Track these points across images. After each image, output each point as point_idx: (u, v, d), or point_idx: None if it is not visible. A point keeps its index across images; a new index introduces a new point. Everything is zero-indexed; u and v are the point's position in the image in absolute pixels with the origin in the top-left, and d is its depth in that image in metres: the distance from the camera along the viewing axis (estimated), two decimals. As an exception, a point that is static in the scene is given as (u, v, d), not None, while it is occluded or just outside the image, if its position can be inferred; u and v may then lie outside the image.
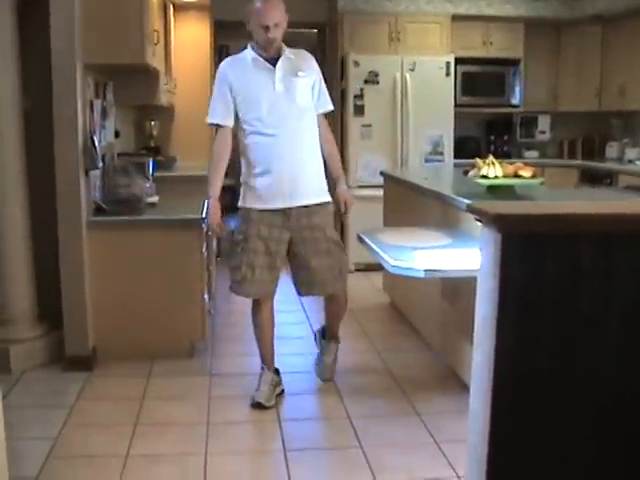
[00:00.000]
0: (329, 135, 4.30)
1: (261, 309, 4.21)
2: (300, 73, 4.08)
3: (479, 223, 2.02)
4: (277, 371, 4.33)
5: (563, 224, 1.99)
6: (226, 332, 5.46)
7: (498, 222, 1.91)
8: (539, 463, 1.97)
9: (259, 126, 4.04)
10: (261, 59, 4.04)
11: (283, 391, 4.29)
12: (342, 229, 7.83)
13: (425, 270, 3.54)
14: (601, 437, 1.97)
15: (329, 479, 3.40)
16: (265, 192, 4.08)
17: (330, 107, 4.27)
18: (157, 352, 4.82)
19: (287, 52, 4.08)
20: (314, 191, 4.11)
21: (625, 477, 2.02)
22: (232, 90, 4.05)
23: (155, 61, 5.24)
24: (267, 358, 4.28)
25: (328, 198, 4.18)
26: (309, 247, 4.09)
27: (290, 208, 4.05)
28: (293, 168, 4.04)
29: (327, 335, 4.52)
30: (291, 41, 4.18)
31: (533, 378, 1.93)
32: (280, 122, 4.02)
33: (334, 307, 4.39)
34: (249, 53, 4.07)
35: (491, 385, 1.90)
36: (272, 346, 4.31)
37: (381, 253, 3.80)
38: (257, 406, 4.08)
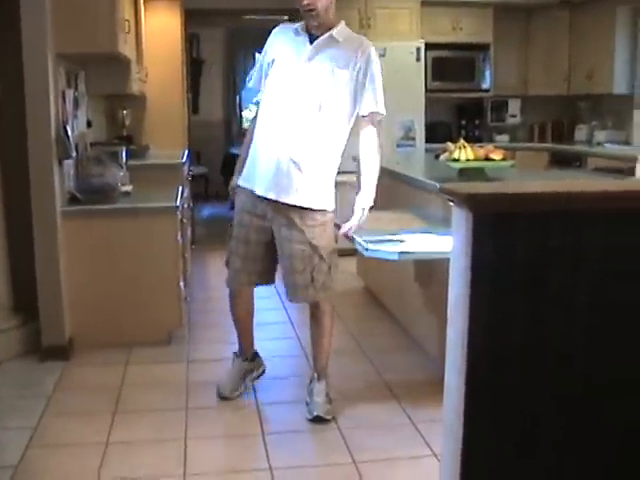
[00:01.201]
0: (367, 144, 3.78)
1: (235, 300, 4.04)
2: (339, 61, 3.61)
3: (451, 204, 2.07)
4: (255, 355, 4.22)
5: (532, 203, 2.03)
6: (202, 319, 5.48)
7: (469, 202, 1.95)
8: (513, 438, 2.03)
9: (272, 98, 3.70)
10: (303, 31, 3.67)
11: (264, 372, 4.23)
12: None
13: (399, 253, 3.59)
14: (572, 412, 2.03)
15: (308, 461, 3.44)
16: (251, 171, 3.77)
17: (373, 109, 3.69)
18: (134, 340, 4.83)
19: (336, 32, 3.62)
20: (304, 193, 3.67)
21: (595, 451, 2.08)
22: (267, 53, 3.76)
23: (126, 50, 5.22)
24: (241, 345, 4.18)
25: (321, 206, 3.73)
26: (284, 245, 3.75)
27: (273, 200, 3.69)
28: (285, 159, 3.63)
29: (313, 371, 4.05)
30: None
31: (506, 354, 1.98)
32: (291, 104, 3.63)
33: (314, 329, 3.97)
34: (300, 23, 3.69)
35: (465, 362, 1.94)
36: (248, 336, 4.16)
37: (355, 237, 3.84)
38: (221, 398, 4.07)
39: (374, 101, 3.68)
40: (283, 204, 3.67)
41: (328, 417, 3.78)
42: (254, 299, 4.10)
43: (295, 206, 3.67)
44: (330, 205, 3.77)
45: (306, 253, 3.70)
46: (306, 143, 3.64)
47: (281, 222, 3.72)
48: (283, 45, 3.72)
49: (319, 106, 3.61)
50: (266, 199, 3.70)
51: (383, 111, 3.72)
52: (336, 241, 3.81)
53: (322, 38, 3.61)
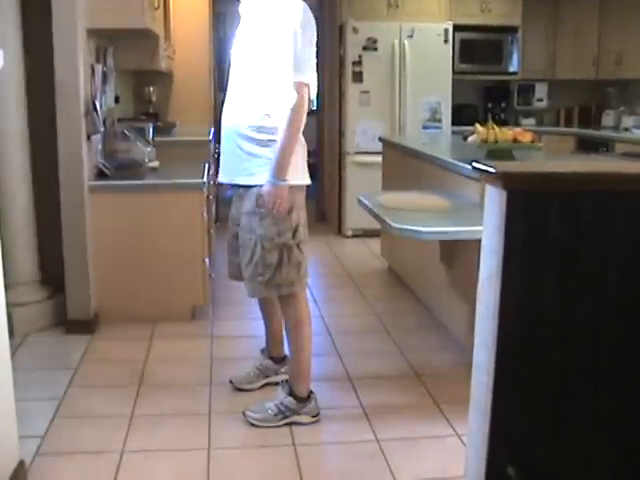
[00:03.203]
0: (286, 115, 3.27)
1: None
2: (270, 16, 3.35)
3: (485, 182, 2.07)
4: (282, 359, 3.94)
5: (566, 182, 2.03)
6: (226, 296, 5.50)
7: (503, 180, 1.95)
8: (542, 415, 2.03)
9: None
10: None
11: (278, 383, 3.81)
12: (339, 195, 7.88)
13: (426, 232, 3.58)
14: (602, 388, 2.03)
15: (331, 438, 3.45)
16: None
17: (295, 78, 3.26)
18: (158, 315, 4.87)
19: None
20: (242, 168, 3.39)
21: (626, 429, 2.08)
22: None
23: (155, 26, 5.24)
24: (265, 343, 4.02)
25: (255, 181, 3.37)
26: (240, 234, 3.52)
27: (232, 185, 3.52)
28: (231, 136, 3.42)
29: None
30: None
31: (537, 332, 1.98)
32: (234, 76, 3.48)
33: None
34: None
35: (495, 339, 1.95)
36: (268, 333, 3.96)
37: (382, 215, 3.84)
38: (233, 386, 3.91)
39: (299, 68, 3.31)
40: (240, 187, 3.50)
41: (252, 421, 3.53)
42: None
43: (241, 187, 3.48)
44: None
45: (252, 242, 3.41)
46: (247, 112, 3.39)
47: (239, 208, 3.55)
48: None
49: (256, 70, 3.39)
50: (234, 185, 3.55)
51: (299, 79, 3.30)
52: (294, 232, 3.40)
53: None
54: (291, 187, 3.34)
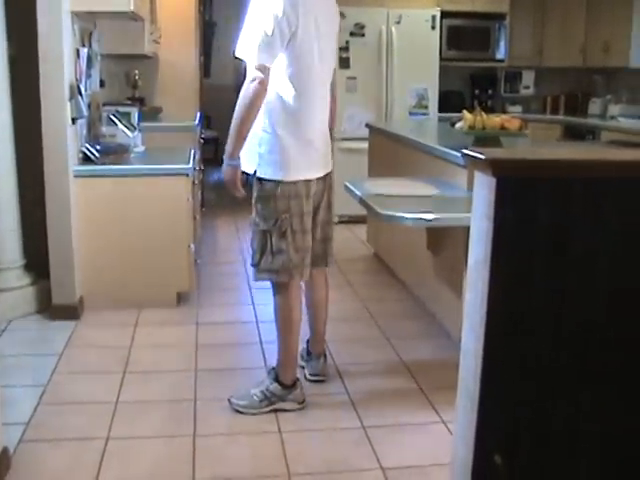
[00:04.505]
0: None
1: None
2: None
3: (474, 169, 2.05)
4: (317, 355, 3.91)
5: (555, 169, 2.02)
6: (211, 282, 5.48)
7: (493, 166, 1.93)
8: (530, 400, 2.03)
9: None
10: None
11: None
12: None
13: (413, 218, 3.57)
14: (591, 376, 2.03)
15: (317, 425, 3.44)
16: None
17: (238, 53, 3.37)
18: (144, 301, 4.85)
19: None
20: (245, 158, 3.42)
21: (613, 416, 2.08)
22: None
23: (141, 9, 5.19)
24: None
25: (251, 170, 3.45)
26: None
27: None
28: None
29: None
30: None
31: (526, 319, 1.98)
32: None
33: None
34: None
35: (484, 325, 1.94)
36: (311, 329, 3.93)
37: (369, 202, 3.82)
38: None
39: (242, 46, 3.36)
40: None
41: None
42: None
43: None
44: (263, 173, 3.43)
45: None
46: None
47: None
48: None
49: None
50: None
51: (242, 55, 3.36)
52: (275, 220, 3.40)
53: None
54: (275, 181, 3.38)
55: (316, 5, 3.36)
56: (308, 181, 3.44)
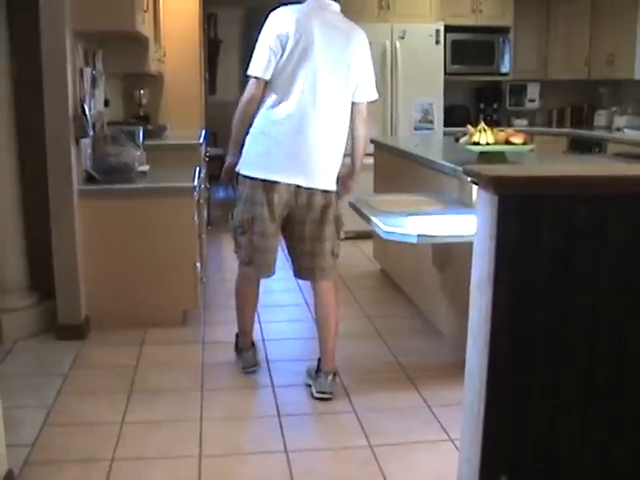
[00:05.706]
0: None
1: None
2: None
3: (475, 186, 2.04)
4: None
5: (558, 186, 2.00)
6: (218, 300, 5.46)
7: (495, 184, 1.92)
8: (534, 421, 2.00)
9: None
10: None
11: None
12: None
13: (418, 235, 3.55)
14: (596, 395, 2.01)
15: (323, 444, 3.42)
16: None
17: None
18: (150, 320, 4.83)
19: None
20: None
21: (618, 436, 2.06)
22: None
23: (145, 29, 5.19)
24: None
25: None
26: None
27: None
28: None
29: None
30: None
31: (529, 336, 1.96)
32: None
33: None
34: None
35: (487, 343, 1.92)
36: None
37: (374, 219, 3.81)
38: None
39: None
40: None
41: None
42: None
43: None
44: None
45: None
46: None
47: None
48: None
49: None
50: None
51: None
52: (239, 221, 3.82)
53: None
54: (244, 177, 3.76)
55: (317, 28, 3.85)
56: (270, 184, 3.64)
